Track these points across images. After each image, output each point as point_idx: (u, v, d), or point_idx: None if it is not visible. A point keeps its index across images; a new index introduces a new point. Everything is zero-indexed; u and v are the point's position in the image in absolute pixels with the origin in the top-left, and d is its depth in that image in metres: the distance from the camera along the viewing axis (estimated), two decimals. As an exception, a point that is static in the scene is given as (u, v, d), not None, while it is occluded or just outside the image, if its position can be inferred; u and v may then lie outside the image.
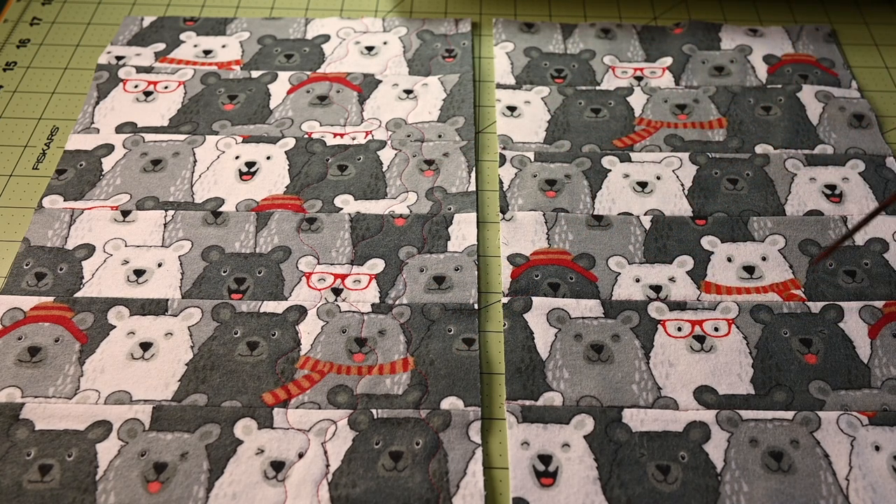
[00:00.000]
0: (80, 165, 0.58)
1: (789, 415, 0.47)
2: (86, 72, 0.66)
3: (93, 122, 0.61)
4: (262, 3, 0.72)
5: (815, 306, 0.51)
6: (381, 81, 0.65)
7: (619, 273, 0.53)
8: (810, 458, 0.45)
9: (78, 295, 0.51)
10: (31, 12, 0.71)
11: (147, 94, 0.63)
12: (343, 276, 0.52)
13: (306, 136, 0.61)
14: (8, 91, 0.65)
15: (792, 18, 0.72)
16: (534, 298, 0.51)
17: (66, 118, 0.63)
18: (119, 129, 0.61)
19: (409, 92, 0.64)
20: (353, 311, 0.51)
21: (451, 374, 0.48)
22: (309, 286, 0.52)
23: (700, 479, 0.44)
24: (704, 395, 0.48)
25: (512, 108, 0.63)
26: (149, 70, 0.65)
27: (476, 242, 0.54)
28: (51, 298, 0.51)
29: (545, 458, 0.45)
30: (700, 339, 0.50)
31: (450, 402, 0.47)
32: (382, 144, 0.60)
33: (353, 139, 0.60)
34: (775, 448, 0.45)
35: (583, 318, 0.51)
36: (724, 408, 0.47)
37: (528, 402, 0.47)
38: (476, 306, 0.51)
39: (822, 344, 0.50)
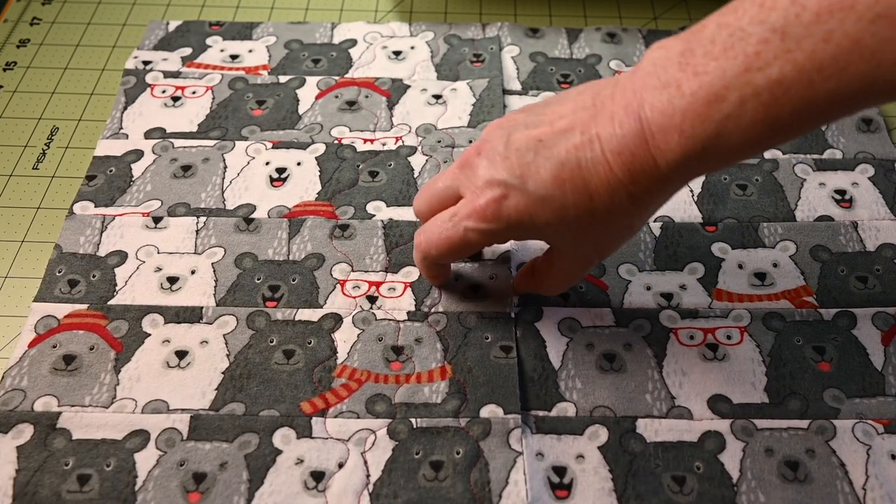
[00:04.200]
0: (110, 171, 0.58)
1: (804, 423, 0.46)
2: (86, 72, 0.66)
3: (121, 128, 0.61)
4: (265, 4, 0.72)
5: (828, 313, 0.51)
6: (409, 86, 0.64)
7: (630, 281, 0.53)
8: (826, 468, 0.44)
9: (111, 302, 0.51)
10: (31, 12, 0.71)
11: (175, 99, 0.63)
12: (378, 284, 0.52)
13: (336, 141, 0.60)
14: (8, 91, 0.65)
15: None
16: (544, 308, 0.51)
17: (66, 118, 0.62)
18: (148, 135, 0.60)
19: (437, 97, 0.64)
20: (389, 319, 0.50)
21: (490, 381, 0.47)
22: (343, 294, 0.51)
23: (716, 490, 0.44)
24: (718, 404, 0.47)
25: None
26: (176, 75, 0.65)
27: (510, 249, 0.54)
28: (84, 306, 0.50)
29: (559, 470, 0.44)
30: (713, 347, 0.49)
31: (489, 410, 0.46)
32: (413, 150, 0.60)
33: (384, 145, 0.60)
34: (791, 458, 0.45)
35: (594, 326, 0.50)
36: (738, 417, 0.46)
37: (541, 413, 0.46)
38: (513, 314, 0.51)
39: (835, 351, 0.49)
